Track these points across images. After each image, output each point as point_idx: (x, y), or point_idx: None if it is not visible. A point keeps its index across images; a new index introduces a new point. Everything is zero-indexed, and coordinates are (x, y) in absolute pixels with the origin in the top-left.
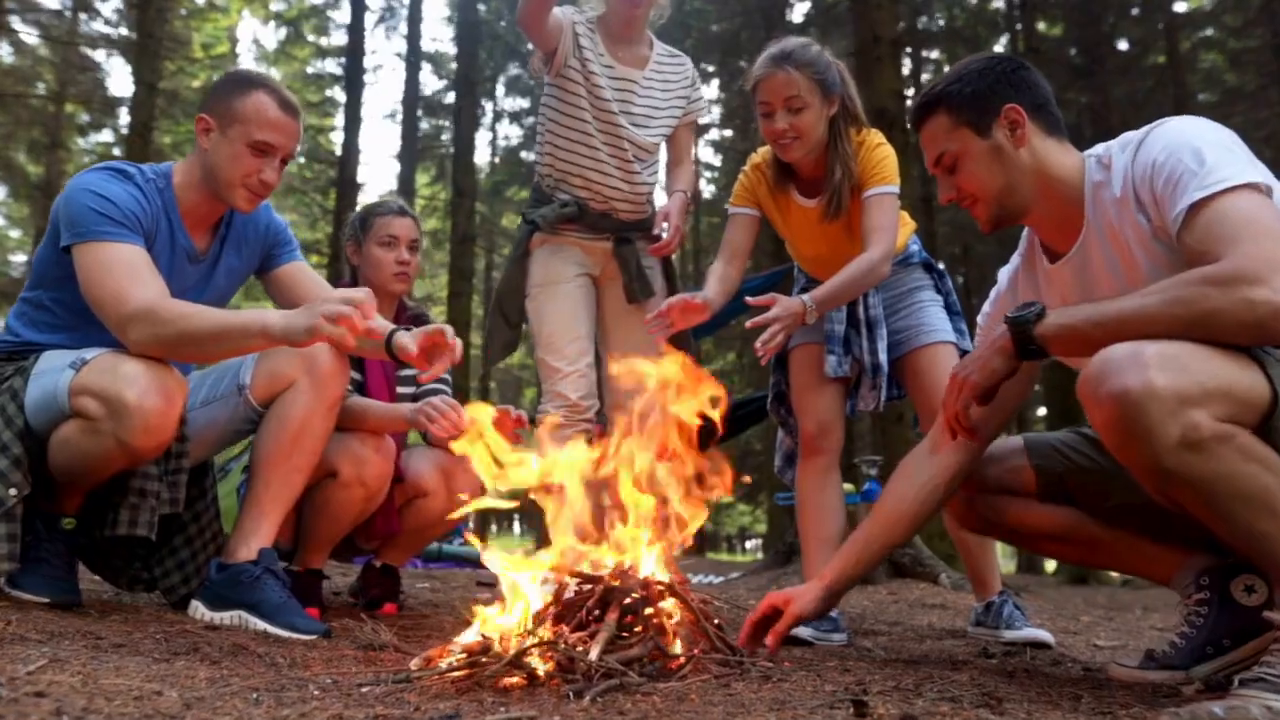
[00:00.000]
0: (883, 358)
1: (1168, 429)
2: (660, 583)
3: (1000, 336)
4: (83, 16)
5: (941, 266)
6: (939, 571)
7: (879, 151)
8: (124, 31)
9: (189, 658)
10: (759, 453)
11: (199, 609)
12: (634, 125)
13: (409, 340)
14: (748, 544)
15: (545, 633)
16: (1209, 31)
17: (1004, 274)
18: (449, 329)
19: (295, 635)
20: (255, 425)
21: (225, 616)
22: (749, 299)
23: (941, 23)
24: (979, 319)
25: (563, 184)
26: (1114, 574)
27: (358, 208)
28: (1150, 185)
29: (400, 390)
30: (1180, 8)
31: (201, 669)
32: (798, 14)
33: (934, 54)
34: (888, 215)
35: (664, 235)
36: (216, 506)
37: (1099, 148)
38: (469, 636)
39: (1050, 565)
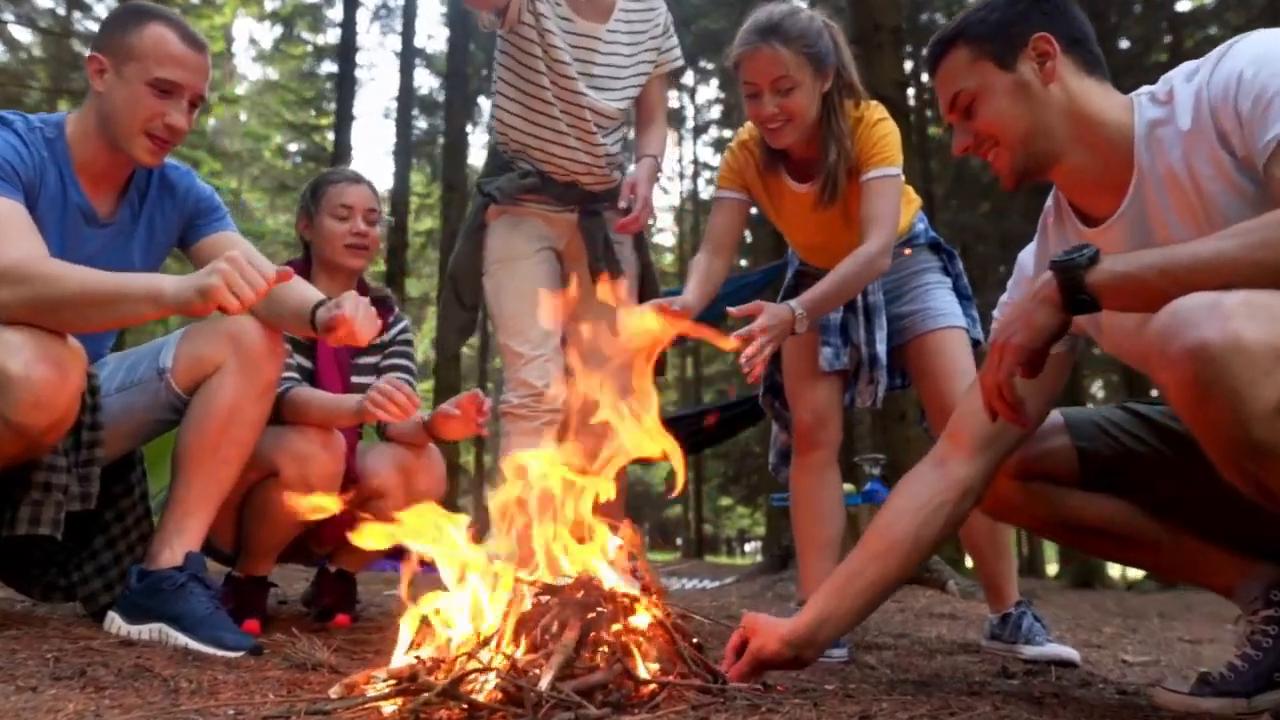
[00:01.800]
0: (880, 349)
1: (1259, 391)
2: (628, 594)
3: (1043, 285)
4: (76, 14)
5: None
6: (946, 577)
7: (879, 129)
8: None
9: (69, 683)
10: (758, 455)
11: (115, 622)
12: (595, 89)
13: (327, 315)
14: (747, 546)
15: (490, 653)
16: (1212, 30)
17: (1027, 256)
18: (363, 301)
19: (220, 652)
20: (181, 414)
21: (143, 630)
22: (731, 309)
23: (940, 19)
24: (995, 314)
25: (521, 155)
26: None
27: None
28: (1234, 105)
29: (356, 380)
30: (1183, 6)
31: (75, 699)
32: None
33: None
34: (888, 202)
35: (632, 209)
36: (146, 504)
37: (1147, 87)
38: (400, 658)
39: (1052, 568)
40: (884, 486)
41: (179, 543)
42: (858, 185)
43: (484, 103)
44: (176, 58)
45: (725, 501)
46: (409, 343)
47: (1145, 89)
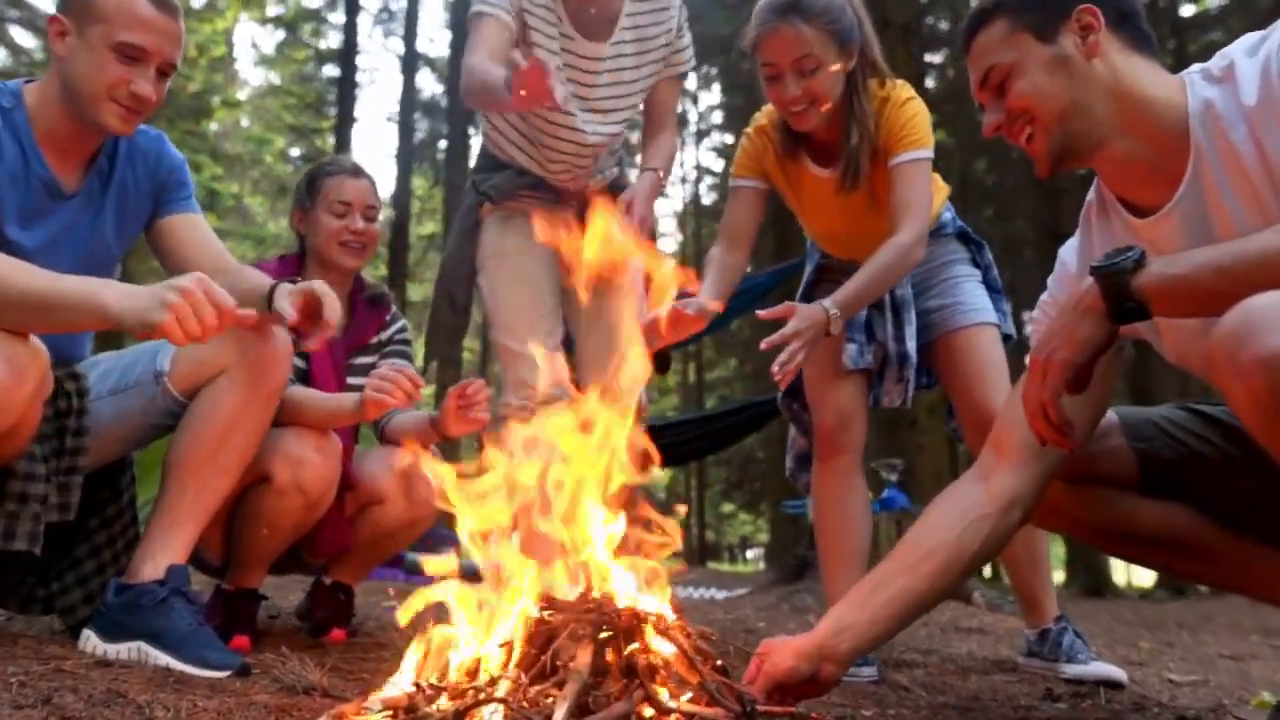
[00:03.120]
0: (910, 345)
1: None
2: (648, 613)
3: (1085, 294)
4: None
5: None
6: (972, 589)
7: (907, 108)
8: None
9: (30, 712)
10: (760, 460)
11: (90, 640)
12: (594, 113)
13: (286, 301)
14: (749, 554)
15: (497, 674)
16: (1216, 35)
17: (1069, 252)
18: (321, 284)
19: (203, 672)
20: (178, 419)
21: (121, 649)
22: (760, 313)
23: (945, 25)
24: (1033, 314)
25: (514, 162)
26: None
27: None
28: None
29: (352, 381)
30: (1186, 11)
31: None
32: None
33: (937, 58)
34: (920, 187)
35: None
36: (134, 512)
37: (1198, 65)
38: (394, 686)
39: (1060, 575)
40: (901, 493)
41: (164, 555)
42: (884, 169)
43: None
44: (144, 20)
45: (727, 508)
46: (407, 342)
47: (1197, 66)
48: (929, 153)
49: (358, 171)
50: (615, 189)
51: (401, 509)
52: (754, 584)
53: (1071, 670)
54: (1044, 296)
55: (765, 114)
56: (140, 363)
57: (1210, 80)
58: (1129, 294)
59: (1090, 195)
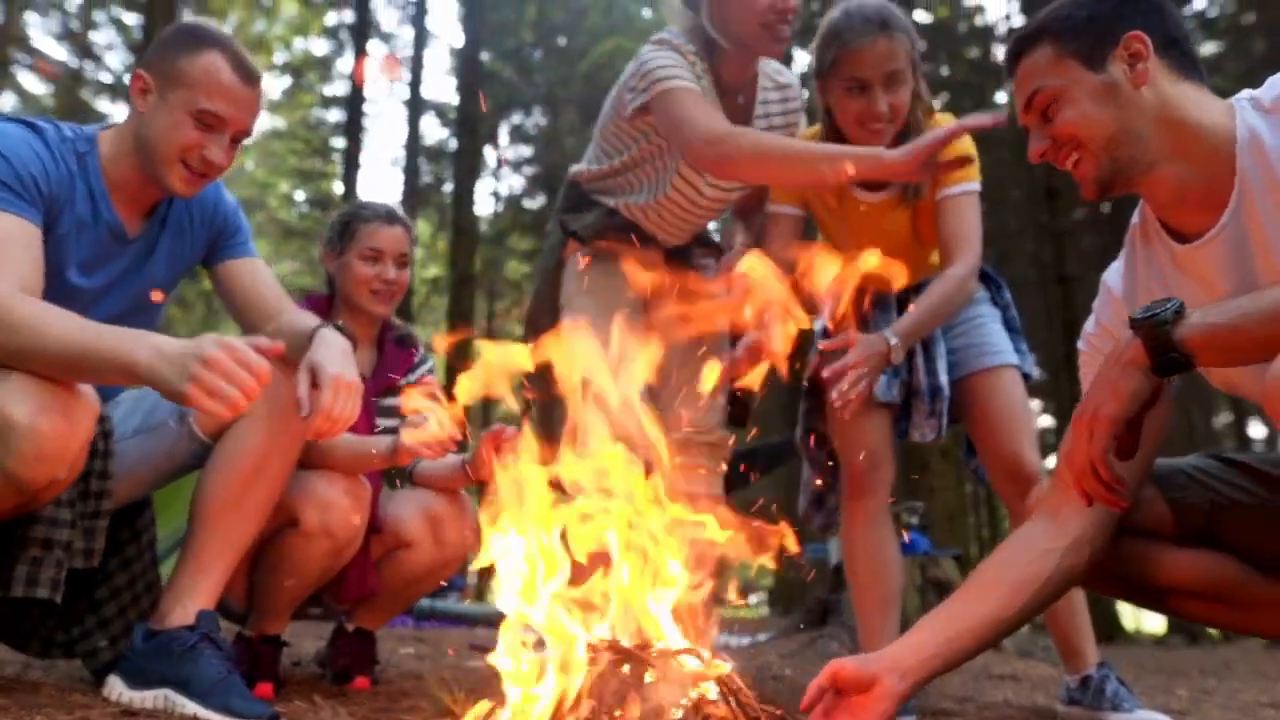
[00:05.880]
0: (943, 379)
1: None
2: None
3: (1126, 348)
4: (88, 64)
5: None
6: None
7: (958, 142)
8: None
9: None
10: (767, 502)
11: (116, 687)
12: (719, 190)
13: (304, 388)
14: (751, 598)
15: None
16: (1214, 81)
17: (1113, 276)
18: (334, 376)
19: None
20: (202, 460)
21: (148, 697)
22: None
23: (945, 72)
24: (1080, 345)
25: (630, 218)
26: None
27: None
28: None
29: (381, 422)
30: None
31: None
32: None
33: (937, 103)
34: (972, 219)
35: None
36: (153, 553)
37: (1248, 91)
38: None
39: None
40: (923, 536)
41: (192, 600)
42: (931, 200)
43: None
44: (226, 91)
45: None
46: (435, 384)
47: (1247, 93)
48: (978, 185)
49: (392, 218)
50: (702, 241)
51: (430, 554)
52: (771, 630)
53: (1117, 719)
54: (1088, 326)
55: (807, 134)
56: (165, 403)
57: (1260, 110)
58: (1171, 346)
59: (1134, 218)
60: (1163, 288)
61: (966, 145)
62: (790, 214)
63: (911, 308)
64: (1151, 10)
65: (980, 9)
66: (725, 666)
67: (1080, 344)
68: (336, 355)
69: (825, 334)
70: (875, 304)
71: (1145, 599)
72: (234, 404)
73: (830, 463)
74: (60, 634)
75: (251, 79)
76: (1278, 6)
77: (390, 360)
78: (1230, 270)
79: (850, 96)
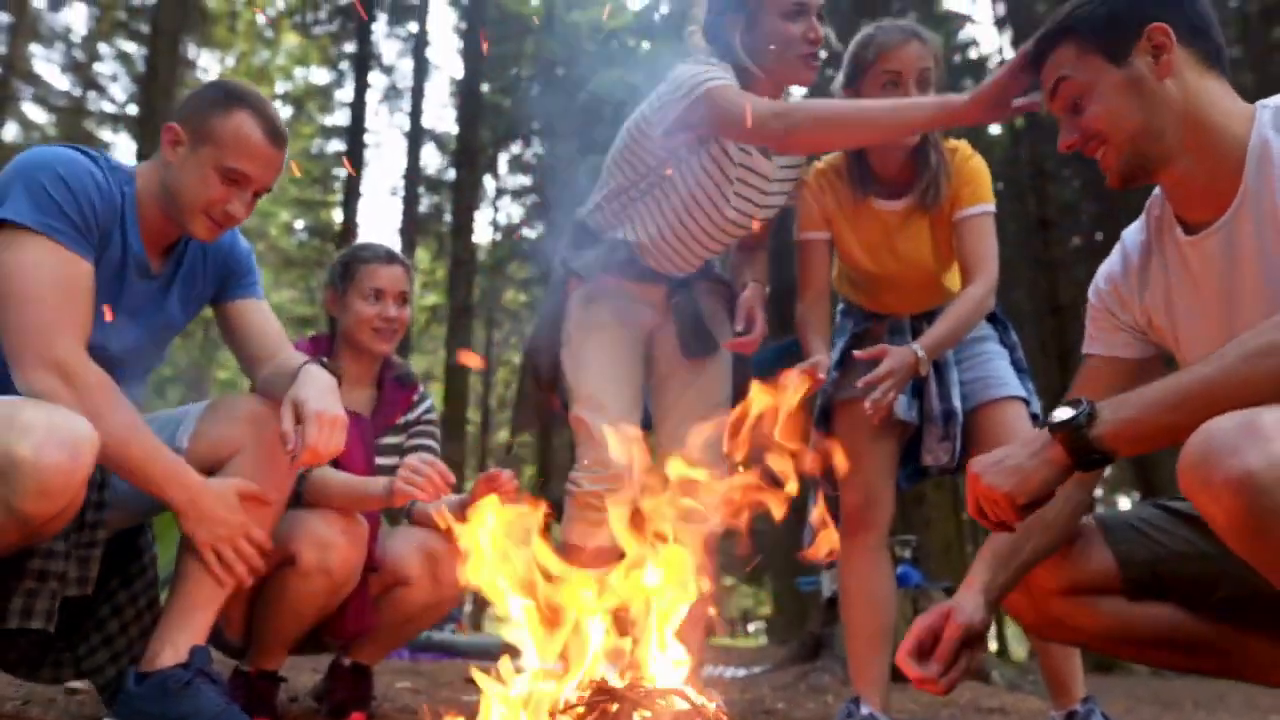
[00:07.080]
0: (957, 404)
1: None
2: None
3: (1045, 447)
4: (91, 94)
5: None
6: (990, 668)
7: (974, 162)
8: (131, 110)
9: None
10: (762, 532)
11: None
12: (740, 219)
13: (289, 423)
14: (749, 627)
15: None
16: None
17: (1130, 237)
18: (320, 413)
19: None
20: None
21: None
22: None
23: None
24: (1090, 294)
25: (637, 249)
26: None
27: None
28: None
29: (380, 461)
30: None
31: None
32: None
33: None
34: (990, 240)
35: (749, 333)
36: (155, 571)
37: (1275, 98)
38: None
39: (1020, 650)
40: (915, 569)
41: (184, 637)
42: (945, 218)
43: (489, 182)
44: (254, 151)
45: (728, 581)
46: (434, 422)
47: (1273, 101)
48: (994, 207)
49: (391, 258)
50: (707, 275)
51: (427, 591)
52: (766, 661)
53: None
54: (1099, 279)
55: (825, 160)
56: (162, 435)
57: (1276, 126)
58: (1091, 447)
59: (1153, 199)
60: (1163, 274)
61: (980, 167)
62: (820, 239)
63: (937, 323)
64: (1173, 1)
65: (974, 42)
66: (712, 706)
67: (1090, 293)
68: (319, 390)
69: (841, 362)
70: (890, 329)
71: (1103, 647)
72: (238, 578)
73: (835, 492)
74: (66, 653)
75: (279, 140)
76: (1264, 39)
77: (390, 399)
78: (1217, 275)
79: (884, 92)
